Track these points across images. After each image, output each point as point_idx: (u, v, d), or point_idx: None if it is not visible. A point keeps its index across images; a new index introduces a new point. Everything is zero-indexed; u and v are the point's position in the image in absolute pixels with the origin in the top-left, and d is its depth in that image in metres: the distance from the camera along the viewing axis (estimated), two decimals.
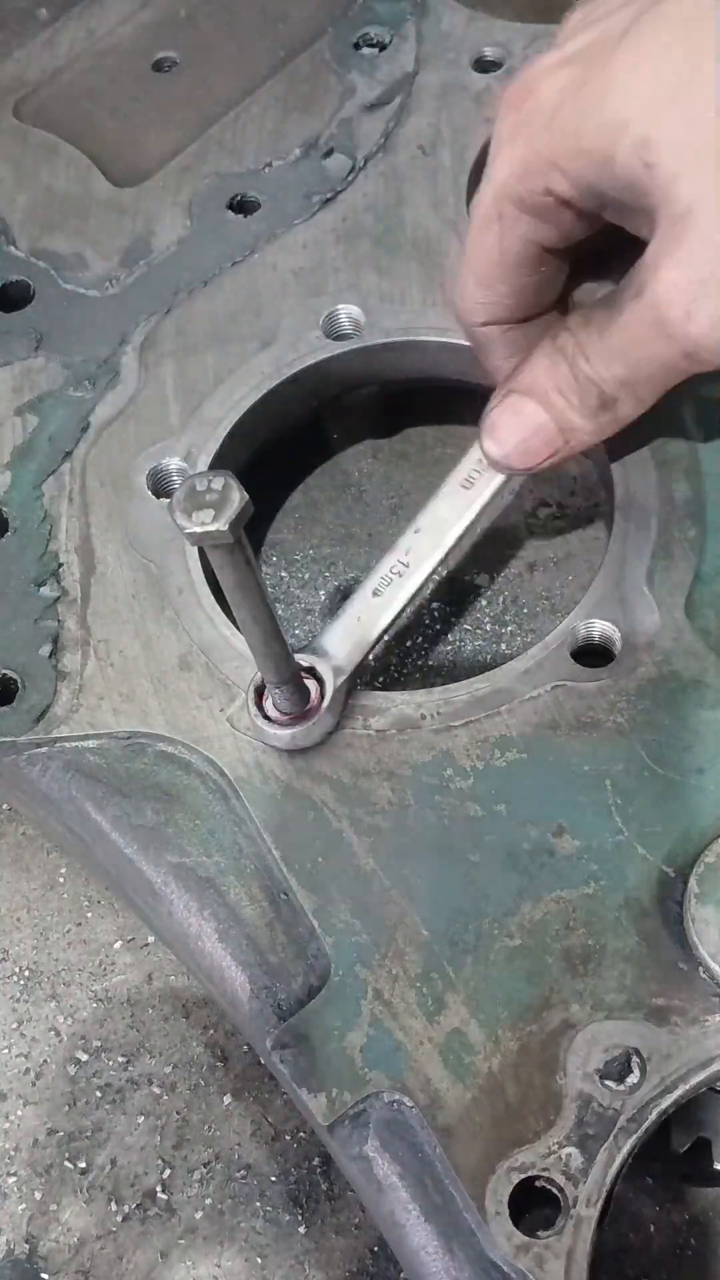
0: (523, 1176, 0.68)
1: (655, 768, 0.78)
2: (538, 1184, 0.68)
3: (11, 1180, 0.92)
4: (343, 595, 1.06)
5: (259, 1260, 0.89)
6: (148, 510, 0.92)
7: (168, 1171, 0.92)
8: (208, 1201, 0.91)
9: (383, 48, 1.12)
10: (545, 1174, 0.68)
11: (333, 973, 0.74)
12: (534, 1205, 0.68)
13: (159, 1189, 0.91)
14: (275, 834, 0.79)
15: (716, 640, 0.82)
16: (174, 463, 0.93)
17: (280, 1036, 0.73)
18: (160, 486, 0.93)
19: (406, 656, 1.04)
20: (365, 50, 1.13)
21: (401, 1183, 0.69)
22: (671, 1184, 0.87)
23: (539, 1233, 0.67)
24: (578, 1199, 0.67)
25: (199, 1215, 0.90)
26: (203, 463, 0.93)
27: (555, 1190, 0.67)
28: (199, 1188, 0.91)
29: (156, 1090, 0.94)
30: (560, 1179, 0.67)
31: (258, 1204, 0.90)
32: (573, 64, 0.74)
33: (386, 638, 0.87)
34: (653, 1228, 0.87)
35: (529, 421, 0.82)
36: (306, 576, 1.09)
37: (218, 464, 0.93)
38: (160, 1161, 0.92)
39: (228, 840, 0.80)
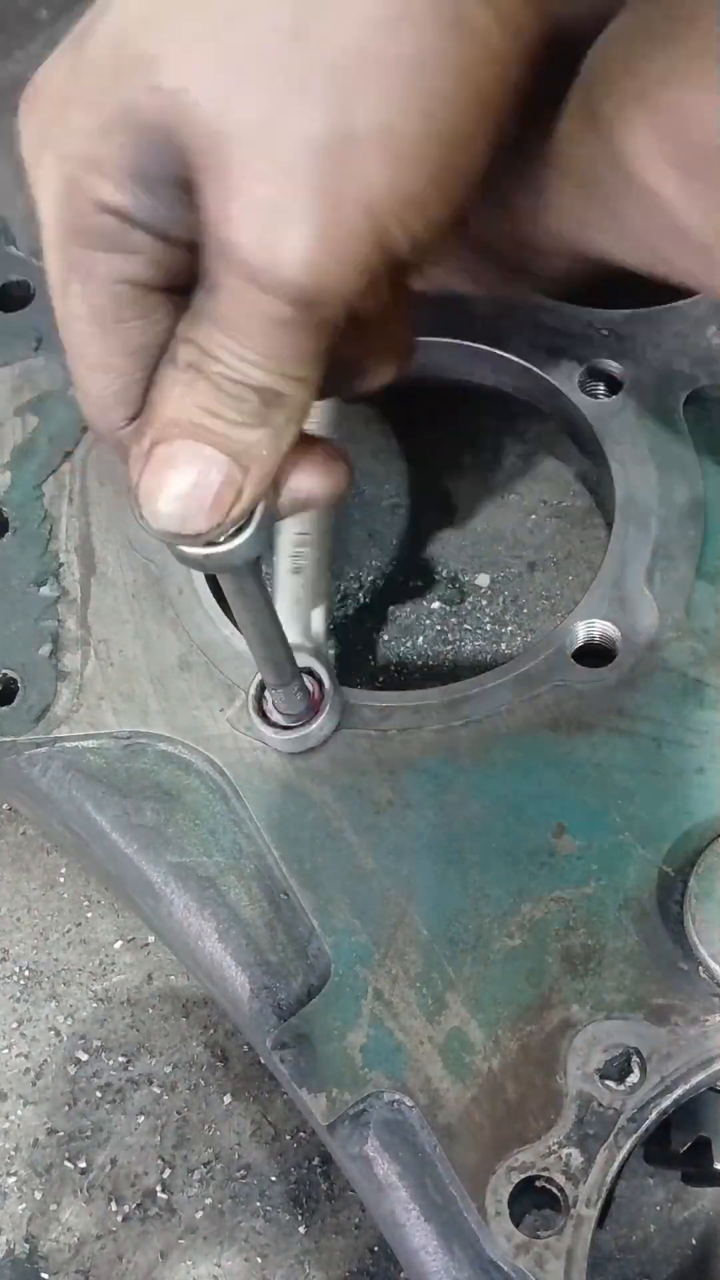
0: (523, 1176, 0.68)
1: (655, 767, 0.78)
2: (538, 1184, 0.68)
3: (11, 1180, 0.92)
4: (341, 596, 1.07)
5: (259, 1260, 0.89)
6: None
7: (168, 1171, 0.92)
8: (208, 1201, 0.91)
9: None
10: (545, 1174, 0.68)
11: (333, 972, 0.74)
12: (534, 1205, 0.68)
13: (159, 1189, 0.91)
14: (275, 834, 0.79)
15: (716, 640, 0.82)
16: None
17: (280, 1036, 0.73)
18: None
19: (406, 657, 1.04)
20: None
21: (401, 1183, 0.69)
22: (671, 1184, 0.87)
23: (539, 1232, 0.66)
24: (578, 1199, 0.67)
25: (199, 1215, 0.90)
26: None
27: (555, 1190, 0.67)
28: (199, 1188, 0.91)
29: (156, 1090, 0.94)
30: (560, 1179, 0.67)
31: (258, 1204, 0.90)
32: (72, 44, 0.57)
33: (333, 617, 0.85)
34: (653, 1227, 0.87)
35: (192, 464, 0.59)
36: None
37: None
38: (160, 1161, 0.92)
39: (228, 840, 0.80)
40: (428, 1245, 0.68)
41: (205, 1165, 0.92)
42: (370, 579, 1.08)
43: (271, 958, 0.76)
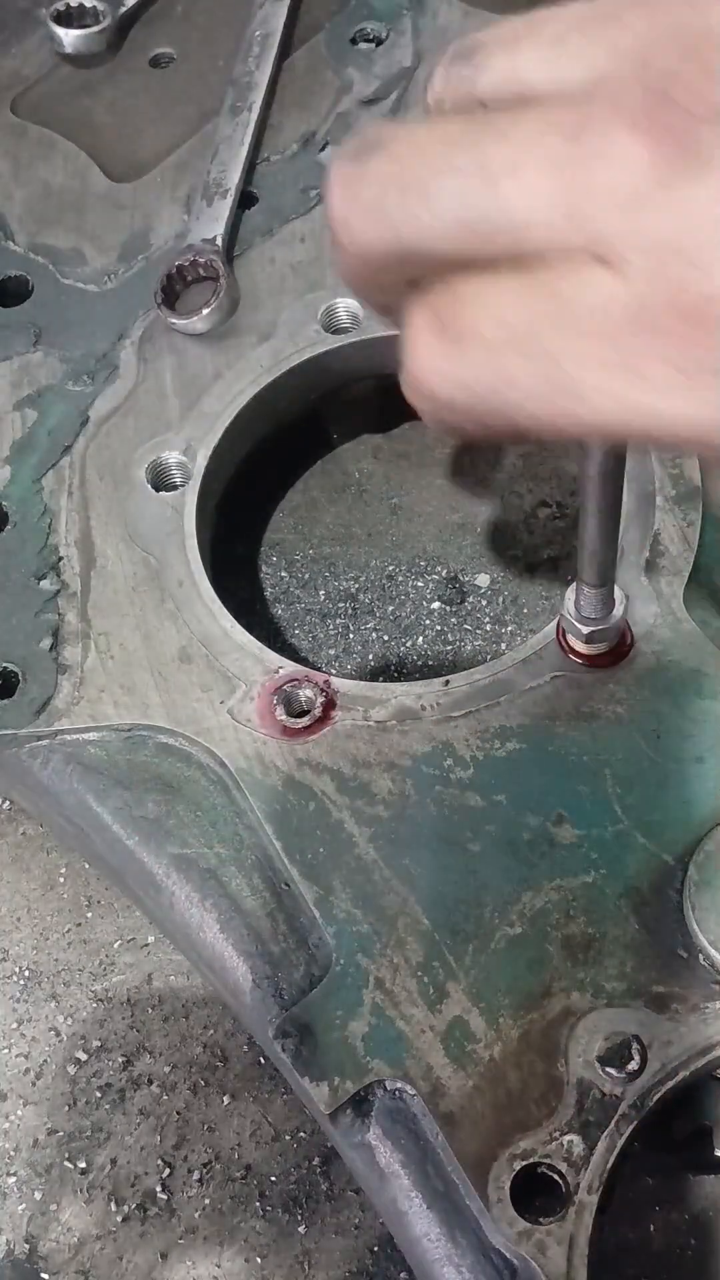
0: (525, 1163, 0.68)
1: (654, 757, 0.78)
2: (539, 1171, 0.67)
3: (11, 1180, 0.91)
4: (342, 597, 1.07)
5: (259, 1260, 0.88)
6: (147, 504, 0.92)
7: (168, 1171, 0.91)
8: (207, 1202, 0.90)
9: (379, 43, 1.13)
10: (547, 1160, 0.67)
11: (334, 962, 0.74)
12: (536, 1192, 0.68)
13: (159, 1189, 0.91)
14: (276, 825, 0.79)
15: (714, 630, 0.82)
16: (173, 456, 0.93)
17: (282, 1025, 0.73)
18: (159, 480, 0.93)
19: (406, 656, 1.04)
20: (362, 45, 1.13)
21: (404, 1170, 0.69)
22: (671, 1184, 0.87)
23: (541, 1219, 0.66)
24: (579, 1185, 0.67)
25: (199, 1215, 0.90)
26: (202, 456, 0.93)
27: (557, 1177, 0.67)
28: (199, 1188, 0.91)
29: (156, 1090, 0.94)
30: (562, 1165, 0.67)
31: (258, 1204, 0.90)
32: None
33: None
34: (653, 1228, 0.86)
35: None
36: (306, 577, 1.09)
37: (217, 458, 0.93)
38: (160, 1161, 0.91)
39: (229, 831, 0.79)
40: (430, 1233, 0.68)
41: (205, 1165, 0.91)
42: (370, 579, 1.08)
43: (273, 948, 0.76)
